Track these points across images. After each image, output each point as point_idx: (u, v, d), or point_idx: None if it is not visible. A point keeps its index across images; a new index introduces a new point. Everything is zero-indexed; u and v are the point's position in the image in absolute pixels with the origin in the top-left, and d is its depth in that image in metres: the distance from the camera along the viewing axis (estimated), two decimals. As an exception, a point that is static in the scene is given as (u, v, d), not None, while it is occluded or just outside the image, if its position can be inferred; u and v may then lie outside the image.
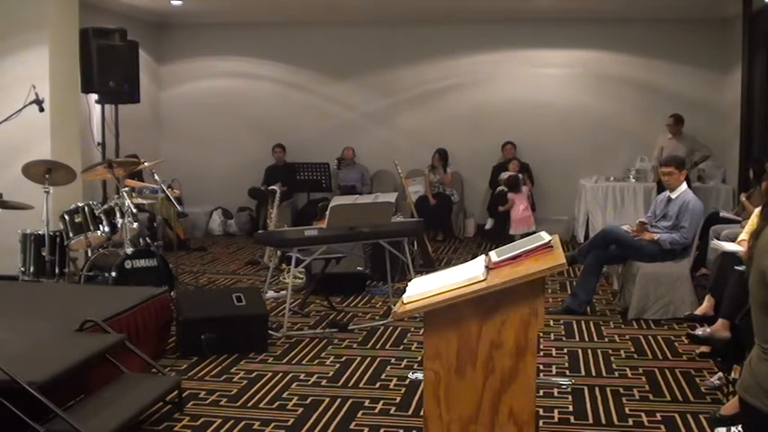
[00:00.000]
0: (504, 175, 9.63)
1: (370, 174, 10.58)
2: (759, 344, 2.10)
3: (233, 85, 10.88)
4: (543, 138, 10.12)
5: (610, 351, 5.10)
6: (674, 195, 6.06)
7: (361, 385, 4.49)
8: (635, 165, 9.68)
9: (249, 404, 4.18)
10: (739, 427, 3.56)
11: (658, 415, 3.95)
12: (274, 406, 4.15)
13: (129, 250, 5.77)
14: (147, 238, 6.70)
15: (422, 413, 3.12)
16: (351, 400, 4.22)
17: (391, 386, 4.46)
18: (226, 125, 10.82)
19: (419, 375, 4.46)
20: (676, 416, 3.93)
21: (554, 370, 4.72)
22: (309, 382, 4.53)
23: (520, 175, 9.53)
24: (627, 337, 5.45)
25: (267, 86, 10.82)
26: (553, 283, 7.14)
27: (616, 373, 4.67)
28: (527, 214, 9.23)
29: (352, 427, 3.88)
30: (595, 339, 5.42)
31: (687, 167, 8.60)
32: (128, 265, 5.71)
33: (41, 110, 5.89)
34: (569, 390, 4.36)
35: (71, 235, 5.94)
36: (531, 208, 9.38)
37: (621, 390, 4.35)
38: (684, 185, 6.09)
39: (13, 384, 3.16)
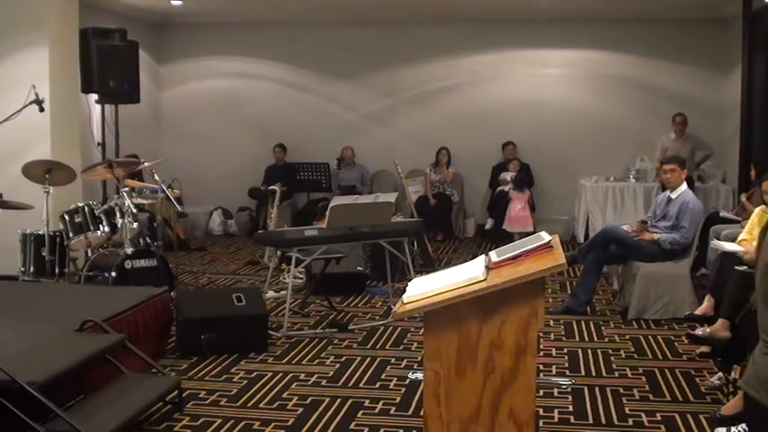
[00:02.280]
0: (506, 176, 9.65)
1: (370, 174, 10.58)
2: (762, 337, 2.13)
3: (233, 85, 10.89)
4: (543, 138, 10.12)
5: (610, 351, 5.10)
6: (674, 195, 6.06)
7: (361, 385, 4.49)
8: (635, 165, 9.69)
9: (249, 404, 4.18)
10: (739, 428, 3.57)
11: (658, 415, 3.95)
12: (274, 406, 4.15)
13: (129, 250, 5.77)
14: (147, 238, 6.70)
15: (422, 413, 3.12)
16: (351, 400, 4.21)
17: (391, 386, 4.46)
18: (226, 125, 10.82)
19: (419, 375, 4.46)
20: (676, 416, 3.93)
21: (554, 370, 4.72)
22: (309, 382, 4.53)
23: (521, 175, 9.56)
24: (627, 337, 5.45)
25: (267, 86, 10.82)
26: (553, 283, 7.14)
27: (616, 373, 4.67)
28: (524, 214, 9.24)
29: (352, 427, 3.88)
30: (595, 339, 5.42)
31: (690, 168, 8.62)
32: (128, 265, 5.70)
33: (41, 110, 5.89)
34: (569, 390, 4.36)
35: (71, 235, 5.95)
36: (529, 209, 9.37)
37: (621, 390, 4.35)
38: (684, 185, 6.09)
39: (13, 384, 3.16)
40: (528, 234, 8.18)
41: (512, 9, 9.56)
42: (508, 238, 8.70)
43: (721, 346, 4.46)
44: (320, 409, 4.09)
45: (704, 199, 8.08)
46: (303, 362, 4.93)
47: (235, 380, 4.56)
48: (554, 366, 4.78)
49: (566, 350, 5.14)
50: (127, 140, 8.68)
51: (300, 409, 4.09)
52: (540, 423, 3.83)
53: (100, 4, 8.88)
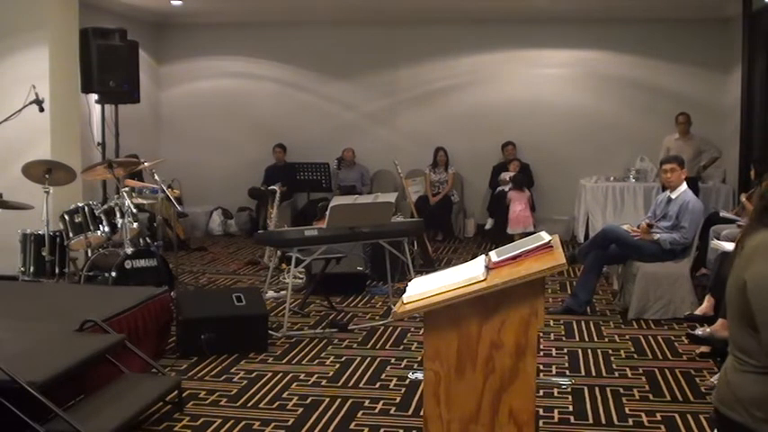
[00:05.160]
0: (506, 176, 9.65)
1: (370, 174, 10.58)
2: (733, 353, 2.01)
3: (233, 85, 10.89)
4: (543, 138, 10.12)
5: (610, 351, 5.10)
6: (674, 195, 6.06)
7: (361, 385, 4.49)
8: (635, 165, 9.69)
9: (249, 404, 4.18)
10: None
11: (658, 415, 3.96)
12: (274, 406, 4.15)
13: (129, 250, 5.77)
14: (147, 238, 6.70)
15: (422, 413, 3.12)
16: (351, 400, 4.22)
17: (391, 386, 4.46)
18: (226, 125, 10.82)
19: (419, 375, 4.46)
20: (676, 416, 3.93)
21: (554, 370, 4.72)
22: (309, 382, 4.53)
23: (521, 175, 9.54)
24: (627, 337, 5.45)
25: (267, 86, 10.82)
26: (553, 283, 7.14)
27: (616, 373, 4.67)
28: (524, 214, 9.23)
29: (352, 427, 3.88)
30: (595, 339, 5.42)
31: (695, 172, 8.58)
32: (128, 265, 5.71)
33: (41, 110, 5.89)
34: (569, 390, 4.36)
35: (71, 235, 5.95)
36: (529, 209, 9.35)
37: (621, 390, 4.34)
38: (684, 185, 6.09)
39: (13, 384, 3.16)
40: (529, 234, 8.19)
41: (512, 9, 9.56)
42: (509, 238, 8.69)
43: (721, 346, 4.46)
44: (320, 409, 4.09)
45: (704, 199, 8.06)
46: (303, 362, 4.93)
47: (235, 380, 4.56)
48: (554, 366, 4.78)
49: (566, 350, 5.14)
50: (127, 140, 8.69)
51: (300, 409, 4.09)
52: (540, 423, 3.83)
53: (100, 4, 8.88)
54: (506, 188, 9.54)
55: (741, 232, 2.10)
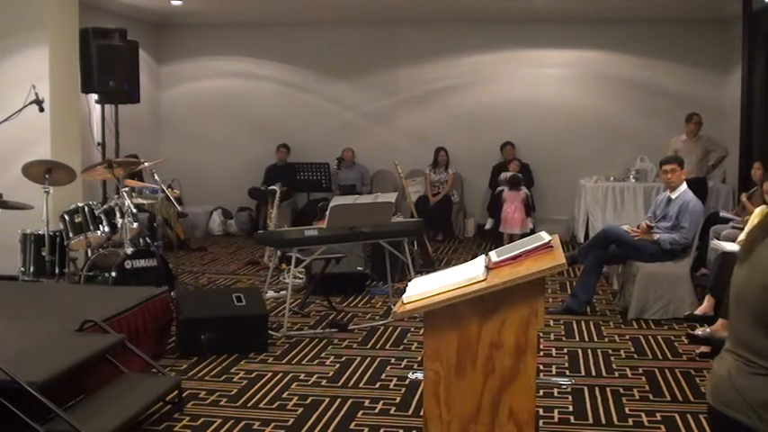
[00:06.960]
0: (505, 175, 9.63)
1: (370, 174, 10.57)
2: (740, 355, 1.97)
3: (233, 85, 10.88)
4: (543, 138, 10.12)
5: (610, 351, 5.10)
6: (673, 196, 6.06)
7: (361, 385, 4.49)
8: (635, 165, 9.69)
9: (249, 404, 4.18)
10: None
11: (658, 415, 3.95)
12: (274, 406, 4.15)
13: (129, 250, 5.77)
14: (147, 238, 6.70)
15: (422, 413, 3.12)
16: (351, 400, 4.22)
17: (391, 386, 4.46)
18: (226, 125, 10.82)
19: (419, 375, 4.46)
20: (676, 416, 3.93)
21: (554, 370, 4.72)
22: (309, 382, 4.53)
23: (520, 175, 9.52)
24: (627, 337, 5.45)
25: (267, 86, 10.82)
26: (553, 283, 7.14)
27: (616, 373, 4.67)
28: (515, 216, 9.16)
29: (352, 427, 3.88)
30: (595, 339, 5.42)
31: (704, 172, 8.57)
32: (128, 265, 5.70)
33: (41, 110, 5.89)
34: (569, 390, 4.36)
35: (71, 235, 5.94)
36: (525, 211, 9.27)
37: (621, 390, 4.35)
38: (684, 185, 6.09)
39: (13, 384, 3.16)
40: (519, 234, 8.19)
41: (512, 9, 9.56)
42: (499, 236, 8.67)
43: (721, 345, 4.45)
44: (320, 409, 4.10)
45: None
46: (303, 362, 4.93)
47: (235, 380, 4.56)
48: (554, 366, 4.78)
49: (566, 350, 5.14)
50: (127, 140, 8.68)
51: (300, 409, 4.09)
52: (540, 423, 3.83)
53: (100, 4, 8.87)
54: (506, 185, 9.51)
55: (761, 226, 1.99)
